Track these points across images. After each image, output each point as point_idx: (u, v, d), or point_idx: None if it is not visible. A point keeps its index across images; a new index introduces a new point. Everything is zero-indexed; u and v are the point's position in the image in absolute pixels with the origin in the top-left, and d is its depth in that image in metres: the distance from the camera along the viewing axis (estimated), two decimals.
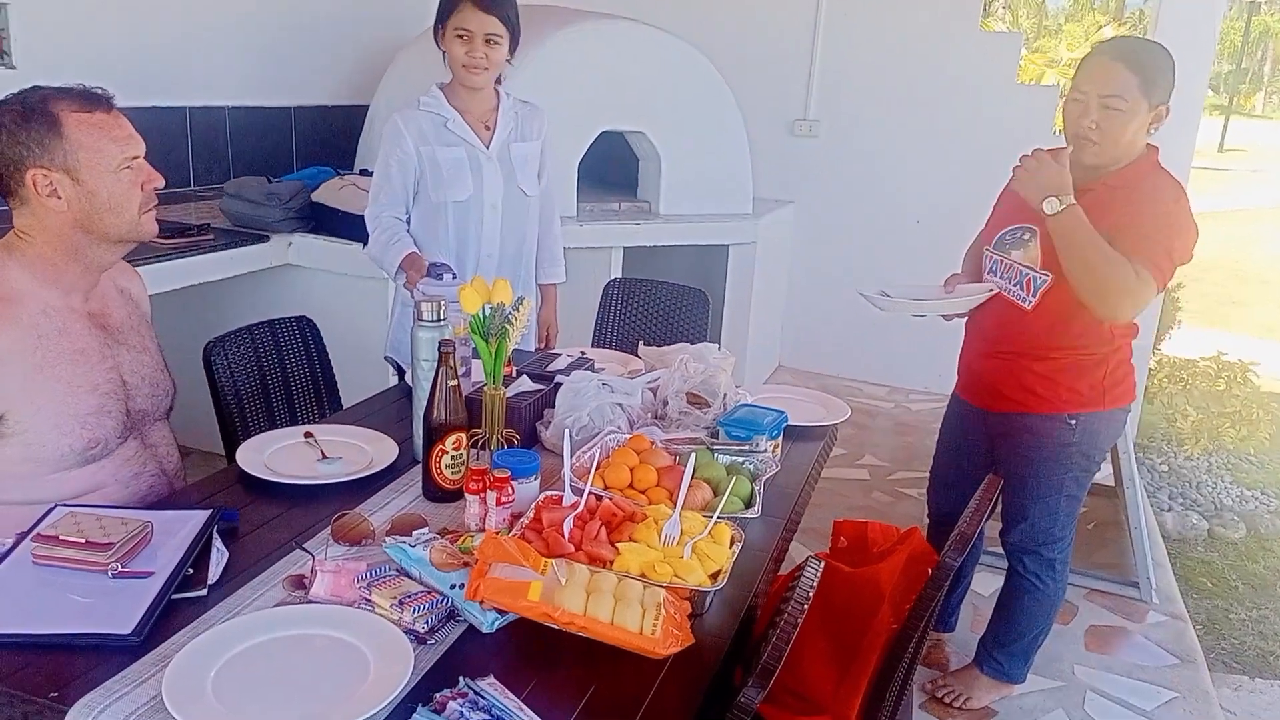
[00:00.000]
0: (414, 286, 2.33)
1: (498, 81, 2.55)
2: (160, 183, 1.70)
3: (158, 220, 1.74)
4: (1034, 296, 2.20)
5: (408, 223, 2.55)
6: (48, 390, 1.59)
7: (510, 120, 2.55)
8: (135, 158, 1.65)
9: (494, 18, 2.35)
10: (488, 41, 2.37)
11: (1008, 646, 2.51)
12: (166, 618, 1.31)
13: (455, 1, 2.36)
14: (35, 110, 1.56)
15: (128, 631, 1.25)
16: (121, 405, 1.70)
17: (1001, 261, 2.28)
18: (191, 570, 1.41)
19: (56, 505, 1.51)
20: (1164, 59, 2.10)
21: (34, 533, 1.42)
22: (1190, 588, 3.79)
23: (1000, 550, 2.52)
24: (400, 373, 2.68)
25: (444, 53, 2.45)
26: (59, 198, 1.59)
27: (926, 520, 2.73)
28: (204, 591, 1.38)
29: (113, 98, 1.66)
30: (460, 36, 2.37)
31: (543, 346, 2.82)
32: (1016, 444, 2.33)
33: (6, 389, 1.56)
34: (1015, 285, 2.24)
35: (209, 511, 1.54)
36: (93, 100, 1.62)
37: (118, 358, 1.72)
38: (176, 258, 2.98)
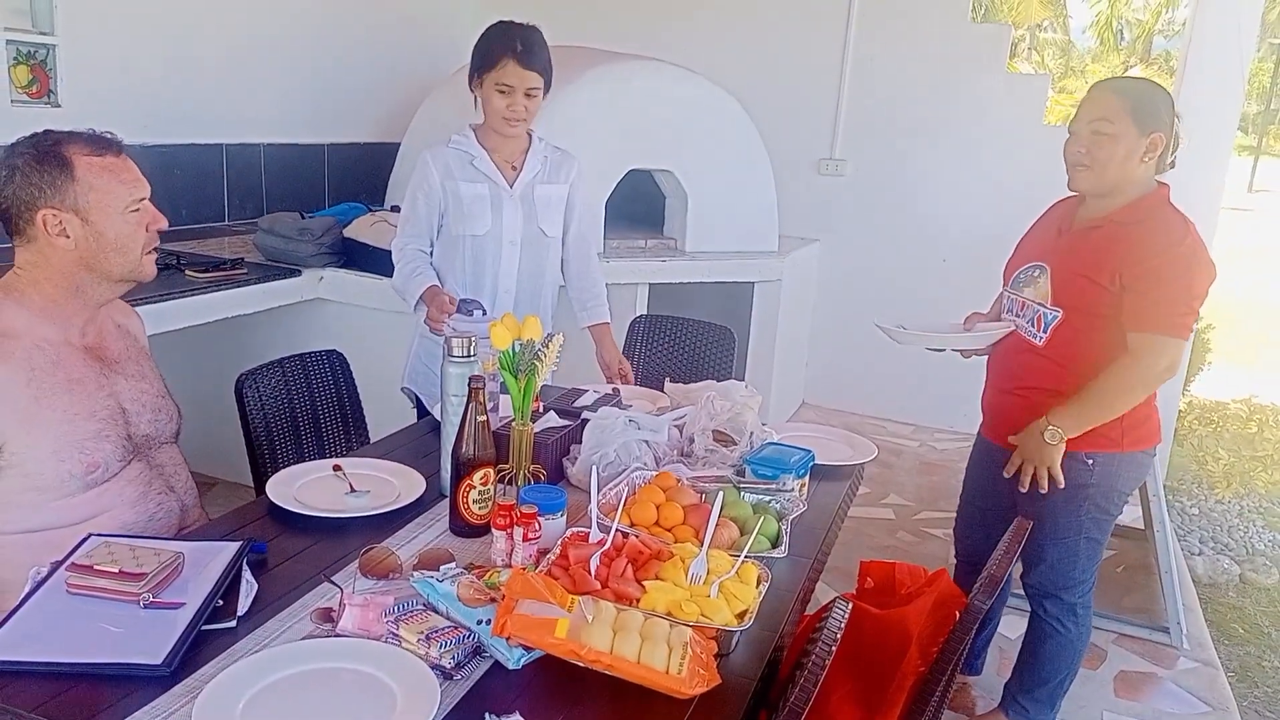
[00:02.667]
0: (434, 324, 2.35)
1: None
2: (164, 224, 1.76)
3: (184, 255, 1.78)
4: (1045, 333, 2.21)
5: (431, 255, 2.60)
6: (44, 419, 1.62)
7: (538, 163, 2.59)
8: (142, 199, 1.71)
9: (534, 73, 2.40)
10: (528, 94, 2.42)
11: (1033, 691, 2.47)
12: (196, 649, 1.32)
13: (497, 57, 2.39)
14: (48, 154, 1.62)
15: (158, 662, 1.26)
16: (121, 430, 1.73)
17: (1015, 300, 2.32)
18: (221, 601, 1.42)
19: (91, 535, 1.53)
20: (1156, 91, 2.15)
21: (69, 561, 1.44)
22: (1222, 634, 3.71)
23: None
24: (419, 404, 2.70)
25: (476, 98, 2.50)
26: (67, 237, 1.64)
27: (953, 561, 2.71)
28: (233, 623, 1.39)
29: (121, 142, 1.71)
30: (502, 91, 2.41)
31: (624, 380, 2.69)
32: (1031, 483, 2.30)
33: (2, 421, 1.59)
34: (1028, 322, 2.27)
35: (239, 543, 1.56)
36: (103, 144, 1.68)
37: (115, 386, 1.76)
38: (211, 291, 3.03)
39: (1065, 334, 2.18)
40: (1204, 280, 2.09)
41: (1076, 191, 2.23)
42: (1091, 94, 2.19)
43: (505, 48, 2.38)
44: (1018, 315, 2.31)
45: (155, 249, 1.77)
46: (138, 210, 1.70)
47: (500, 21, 2.45)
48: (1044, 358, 2.22)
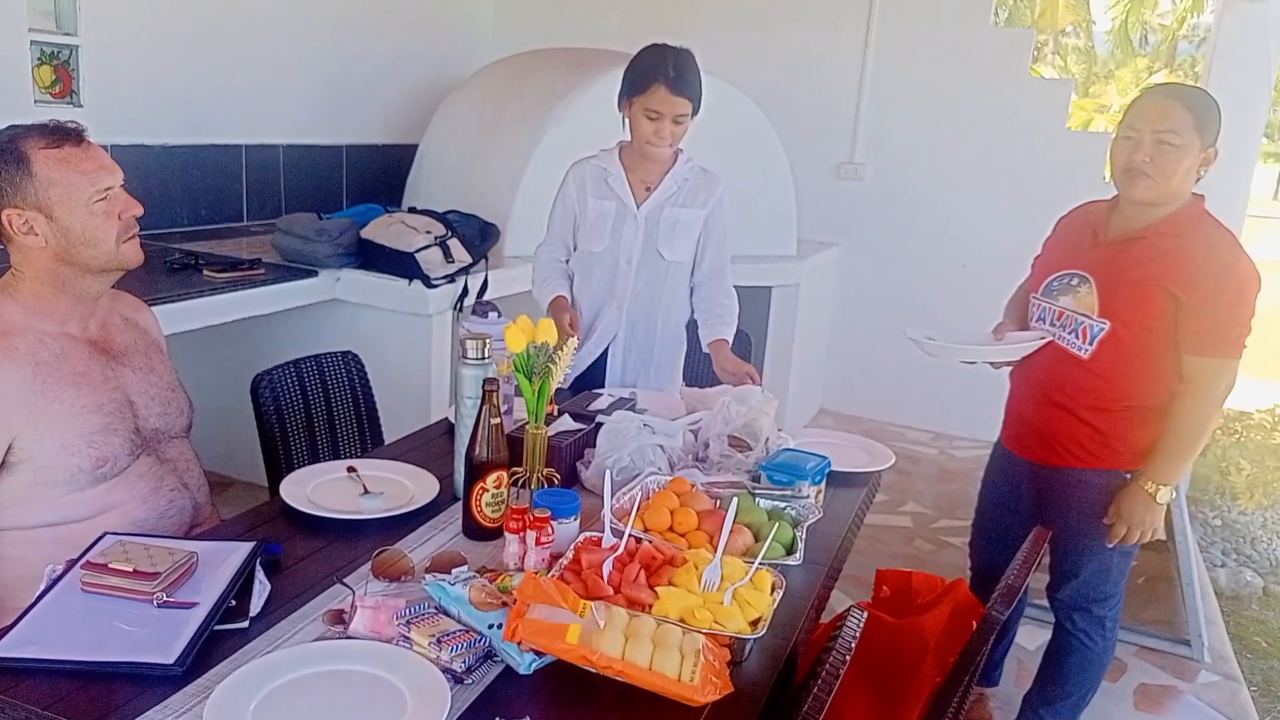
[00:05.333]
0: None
1: None
2: (138, 210, 1.70)
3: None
4: (1091, 345, 2.16)
5: (569, 264, 2.69)
6: (51, 413, 1.62)
7: (674, 185, 2.58)
8: (109, 189, 1.65)
9: (684, 99, 2.40)
10: (675, 121, 2.42)
11: (1054, 704, 2.44)
12: (209, 649, 1.32)
13: (647, 83, 2.38)
14: (4, 150, 1.58)
15: (171, 661, 1.26)
16: (130, 423, 1.72)
17: (1050, 309, 2.26)
18: (234, 602, 1.42)
19: (107, 534, 1.54)
20: (1213, 102, 2.11)
21: (83, 560, 1.45)
22: (1244, 647, 3.66)
23: (1045, 603, 2.46)
24: None
25: (624, 118, 2.50)
26: (36, 235, 1.61)
27: (969, 572, 2.68)
28: (246, 624, 1.39)
29: (83, 130, 1.65)
30: (650, 117, 2.41)
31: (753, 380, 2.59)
32: (1070, 499, 2.27)
33: (11, 417, 1.59)
34: (1070, 333, 2.21)
35: (253, 544, 1.56)
36: (61, 134, 1.62)
37: (122, 379, 1.75)
38: (228, 291, 3.04)
39: (1112, 346, 2.13)
40: (1255, 294, 2.06)
41: (1132, 199, 2.14)
42: (1155, 101, 2.11)
43: (658, 73, 2.37)
44: (1054, 325, 2.24)
45: (134, 235, 1.71)
46: (104, 200, 1.64)
47: (655, 45, 2.44)
48: (1088, 370, 2.17)
